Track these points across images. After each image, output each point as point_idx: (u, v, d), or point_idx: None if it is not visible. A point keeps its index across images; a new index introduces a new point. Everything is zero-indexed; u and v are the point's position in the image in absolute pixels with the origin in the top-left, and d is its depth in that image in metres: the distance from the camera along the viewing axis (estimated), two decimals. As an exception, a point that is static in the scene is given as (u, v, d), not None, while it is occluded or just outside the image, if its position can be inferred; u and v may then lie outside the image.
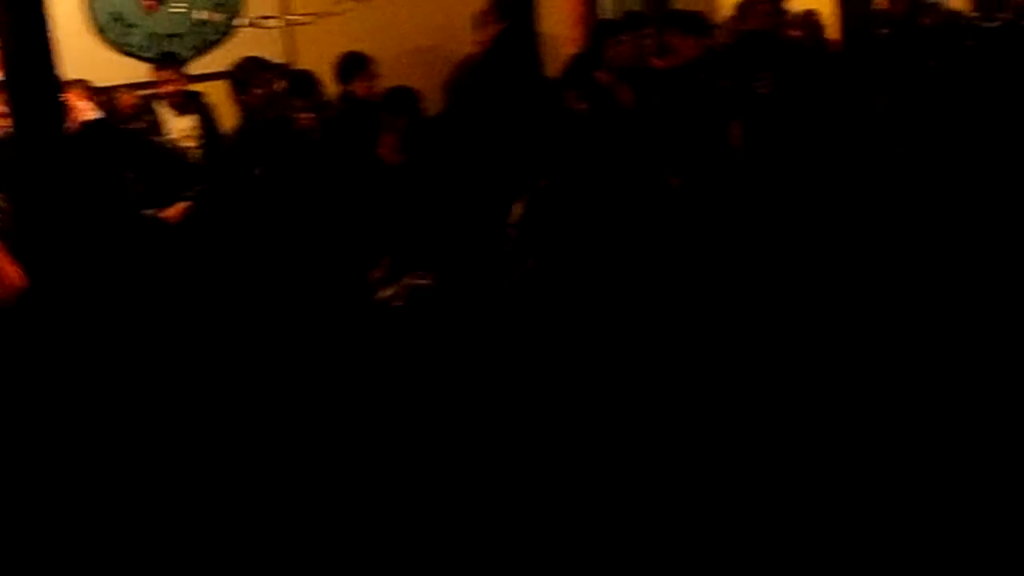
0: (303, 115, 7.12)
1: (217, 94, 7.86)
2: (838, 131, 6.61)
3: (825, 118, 6.74)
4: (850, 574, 4.33)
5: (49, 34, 5.38)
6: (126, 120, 7.03)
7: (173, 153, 7.18)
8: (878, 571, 4.31)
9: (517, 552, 4.50)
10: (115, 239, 5.88)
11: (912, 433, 4.71)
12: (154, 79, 7.73)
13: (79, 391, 5.12)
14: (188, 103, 7.70)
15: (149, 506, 4.99)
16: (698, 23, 7.83)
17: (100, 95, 7.36)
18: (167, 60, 7.86)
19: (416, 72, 8.28)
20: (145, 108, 7.36)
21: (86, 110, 7.03)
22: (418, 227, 5.94)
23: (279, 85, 7.51)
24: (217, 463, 5.39)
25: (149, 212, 6.58)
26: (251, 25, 8.71)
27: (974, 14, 10.10)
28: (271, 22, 8.68)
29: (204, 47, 8.58)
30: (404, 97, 7.14)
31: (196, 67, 8.20)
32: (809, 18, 9.11)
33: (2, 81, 6.24)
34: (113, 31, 8.27)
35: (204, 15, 8.65)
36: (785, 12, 8.89)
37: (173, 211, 6.85)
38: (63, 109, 6.26)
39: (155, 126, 7.43)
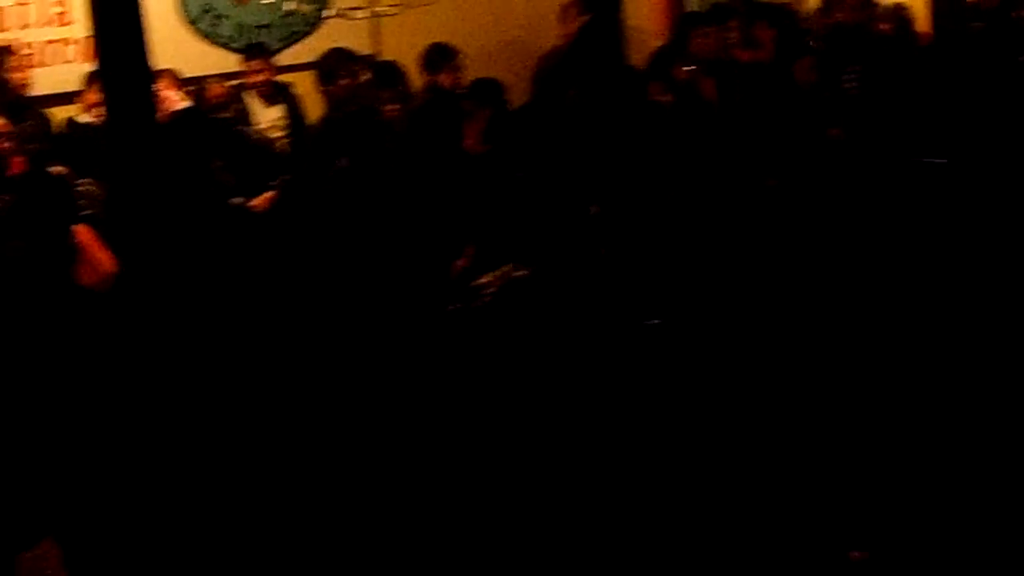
0: (388, 106, 7.17)
1: (304, 85, 7.94)
2: (929, 128, 6.51)
3: (916, 115, 6.64)
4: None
5: (142, 25, 5.46)
6: (215, 110, 7.10)
7: (261, 143, 7.26)
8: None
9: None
10: (203, 227, 5.96)
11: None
12: (243, 69, 7.82)
13: (169, 375, 5.20)
14: (276, 93, 7.78)
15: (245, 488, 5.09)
16: (784, 16, 7.76)
17: (190, 85, 7.47)
18: (256, 50, 7.94)
19: (501, 64, 8.31)
20: (234, 98, 7.44)
21: (175, 100, 7.14)
22: (502, 217, 5.95)
23: (364, 76, 7.57)
24: (316, 444, 5.46)
25: (236, 201, 6.65)
26: (338, 16, 8.76)
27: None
28: (358, 13, 8.74)
29: (292, 38, 8.66)
30: (489, 88, 7.17)
31: (284, 58, 8.28)
32: (899, 11, 8.97)
33: (96, 71, 6.37)
34: (203, 22, 8.38)
35: (292, 6, 8.73)
36: (874, 5, 8.77)
37: (260, 201, 6.93)
38: (154, 99, 6.37)
39: (244, 116, 7.51)
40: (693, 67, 7.67)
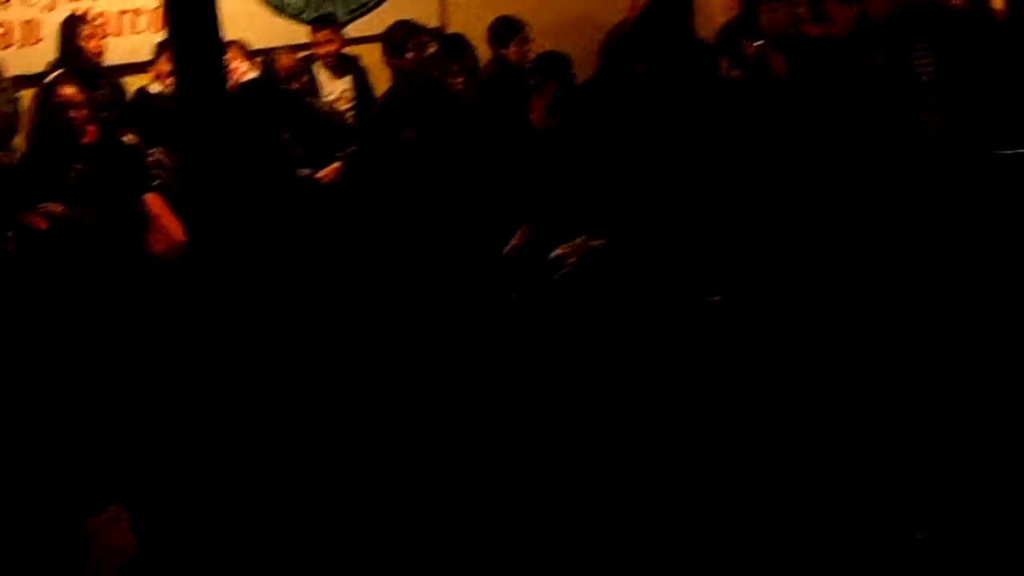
0: (454, 79, 7.17)
1: (371, 57, 7.96)
2: (1006, 114, 6.38)
3: (992, 99, 6.50)
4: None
5: (212, -4, 5.50)
6: (284, 81, 7.14)
7: (329, 115, 7.29)
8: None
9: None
10: (270, 198, 6.00)
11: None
12: (311, 41, 7.85)
13: (236, 342, 5.26)
14: (343, 65, 7.81)
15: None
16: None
17: (259, 56, 7.52)
18: (324, 22, 7.97)
19: (567, 38, 8.27)
20: (303, 70, 7.48)
21: (243, 70, 7.20)
22: (567, 192, 5.92)
23: (431, 49, 7.58)
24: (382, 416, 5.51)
25: (303, 172, 6.69)
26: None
27: None
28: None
29: (360, 10, 8.67)
30: (555, 62, 7.14)
31: (351, 30, 8.30)
32: (972, -14, 8.81)
33: (166, 41, 6.42)
34: (272, -7, 8.42)
35: (360, -22, 8.75)
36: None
37: (326, 172, 6.97)
38: (225, 69, 6.41)
39: (312, 87, 7.55)
40: (761, 42, 7.60)
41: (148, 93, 7.20)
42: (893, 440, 4.65)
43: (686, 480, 4.51)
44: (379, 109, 7.29)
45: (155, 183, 6.15)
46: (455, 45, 7.60)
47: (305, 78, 7.38)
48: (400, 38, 7.51)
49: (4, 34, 7.24)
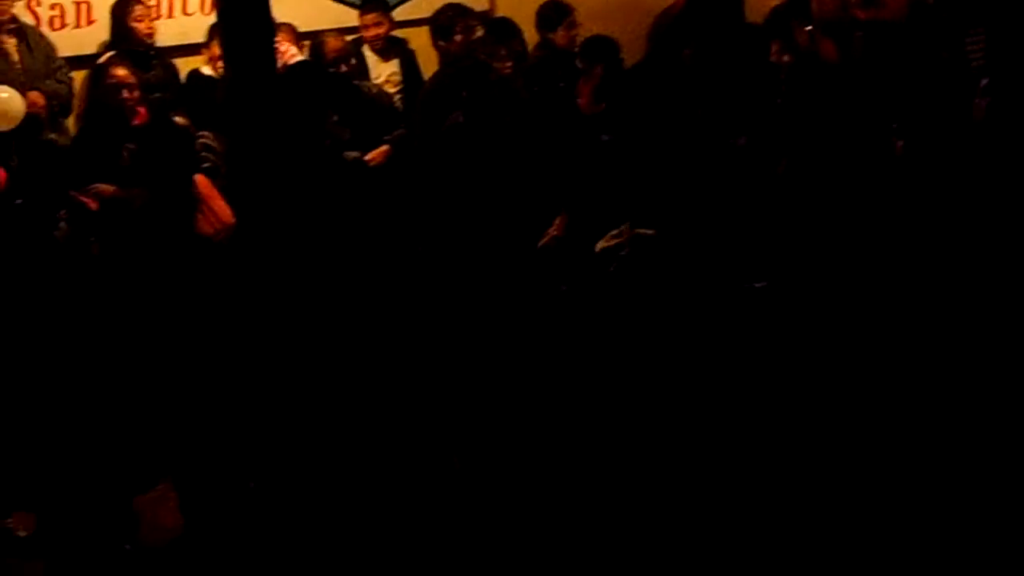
0: (502, 63, 7.17)
1: (419, 40, 7.97)
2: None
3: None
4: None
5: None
6: (332, 64, 7.15)
7: (378, 97, 7.30)
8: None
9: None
10: (318, 180, 6.03)
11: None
12: (360, 24, 7.86)
13: (284, 323, 5.30)
14: (391, 48, 7.82)
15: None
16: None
17: (308, 39, 7.54)
18: (373, 5, 7.97)
19: (616, 21, 8.23)
20: (351, 52, 7.49)
21: (292, 53, 7.22)
22: (610, 179, 5.90)
23: (479, 32, 7.58)
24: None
25: (352, 155, 6.71)
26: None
27: None
28: (474, -31, 8.71)
29: (408, -7, 8.67)
30: (602, 46, 7.12)
31: (400, 13, 8.29)
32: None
33: (217, 23, 6.46)
34: (323, -25, 8.43)
35: (409, -39, 8.74)
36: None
37: (375, 155, 6.99)
38: (275, 52, 6.44)
39: (361, 70, 7.56)
40: (809, 27, 7.53)
41: (200, 75, 7.24)
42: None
43: (750, 468, 4.52)
44: (426, 92, 7.29)
45: (204, 165, 6.19)
46: (503, 29, 7.59)
47: (354, 61, 7.38)
48: (448, 21, 7.51)
49: (58, 15, 7.30)
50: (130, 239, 5.63)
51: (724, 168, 5.41)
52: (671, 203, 5.00)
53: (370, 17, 7.78)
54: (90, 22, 7.38)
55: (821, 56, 7.26)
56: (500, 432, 5.79)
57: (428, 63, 7.82)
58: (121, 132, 6.47)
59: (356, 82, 7.27)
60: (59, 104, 6.82)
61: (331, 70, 6.96)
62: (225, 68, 5.95)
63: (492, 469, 5.78)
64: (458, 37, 7.42)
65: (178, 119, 6.09)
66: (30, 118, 6.35)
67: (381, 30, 7.74)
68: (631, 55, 7.73)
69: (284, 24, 7.30)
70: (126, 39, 7.09)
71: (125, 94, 6.54)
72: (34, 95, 6.57)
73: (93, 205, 5.65)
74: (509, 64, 7.23)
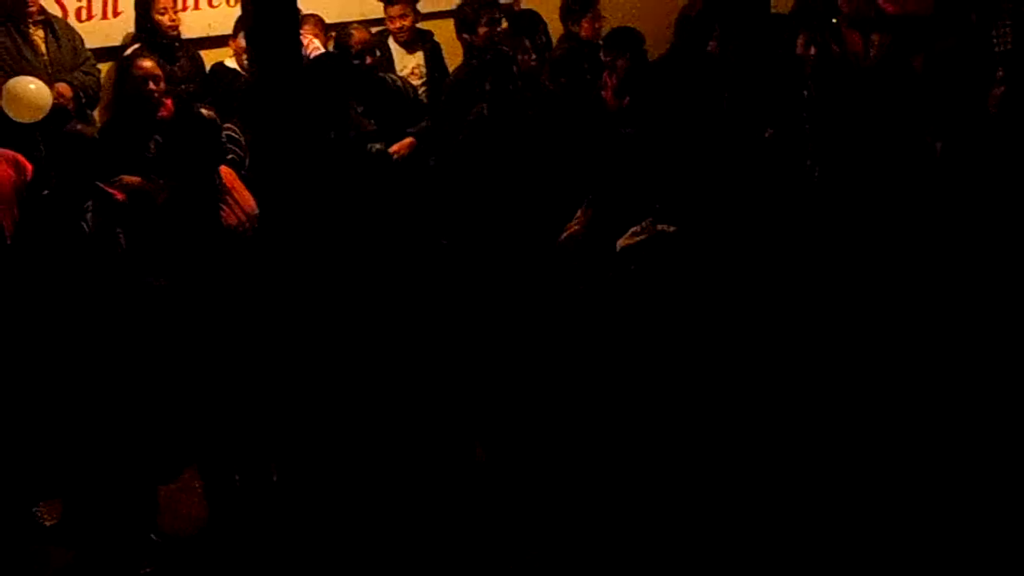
0: (527, 55, 7.16)
1: (444, 33, 7.97)
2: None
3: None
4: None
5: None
6: (357, 56, 7.16)
7: (403, 89, 7.30)
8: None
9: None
10: (343, 172, 6.04)
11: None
12: (385, 16, 7.86)
13: (310, 314, 5.31)
14: (416, 40, 7.82)
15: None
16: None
17: (333, 30, 7.55)
18: (398, -4, 7.96)
19: (641, 13, 8.23)
20: (377, 45, 7.49)
21: (316, 45, 7.23)
22: (632, 174, 5.87)
23: (503, 25, 7.57)
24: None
25: (376, 147, 6.72)
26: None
27: None
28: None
29: (433, -15, 8.67)
30: (627, 38, 7.10)
31: (424, 5, 8.30)
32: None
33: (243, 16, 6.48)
34: (347, -33, 8.43)
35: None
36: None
37: (399, 147, 7.00)
38: (301, 44, 6.45)
39: (386, 62, 7.57)
40: (835, 20, 7.51)
41: (224, 68, 7.26)
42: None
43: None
44: (451, 84, 7.30)
45: (228, 157, 6.21)
46: (527, 21, 7.59)
47: (379, 53, 7.39)
48: (472, 14, 7.52)
49: (84, 7, 7.33)
50: (156, 231, 5.66)
51: (750, 162, 5.38)
52: (695, 198, 4.96)
53: (395, 9, 7.78)
54: (116, 14, 7.41)
55: (847, 49, 7.25)
56: (523, 424, 5.81)
57: (453, 56, 7.83)
58: (148, 124, 6.50)
59: (381, 74, 7.28)
60: (87, 96, 6.84)
61: (356, 62, 6.95)
62: (250, 60, 5.96)
63: (515, 460, 5.81)
64: (482, 29, 7.43)
65: (204, 111, 6.10)
66: (57, 109, 6.38)
67: (406, 22, 7.75)
68: (656, 47, 7.72)
69: (311, 15, 7.32)
70: (150, 31, 7.11)
71: (151, 86, 6.57)
72: (61, 87, 6.61)
73: (120, 196, 5.67)
74: (534, 56, 7.23)
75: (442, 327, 5.48)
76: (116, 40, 7.33)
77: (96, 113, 7.05)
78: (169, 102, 6.57)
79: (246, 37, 5.96)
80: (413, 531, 5.21)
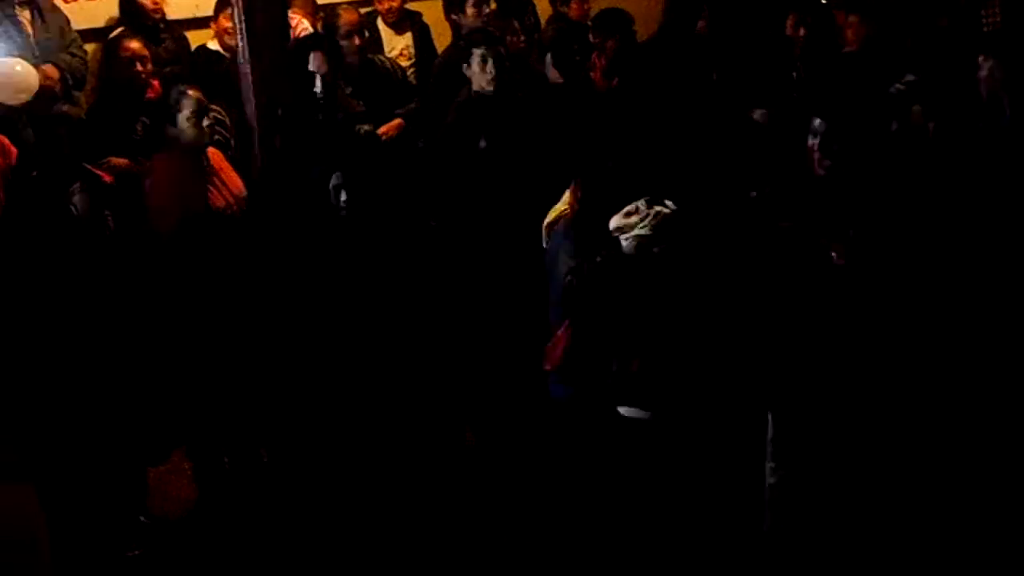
0: (515, 36, 7.13)
1: (432, 14, 7.94)
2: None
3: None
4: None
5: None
6: (344, 36, 7.12)
7: (391, 71, 7.28)
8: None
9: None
10: (330, 152, 6.01)
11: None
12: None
13: (297, 295, 5.30)
14: (405, 21, 7.79)
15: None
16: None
17: (322, 11, 7.52)
18: (387, -23, 7.92)
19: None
20: (366, 25, 7.46)
21: (304, 27, 7.20)
22: (624, 153, 5.85)
23: (492, 6, 7.54)
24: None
25: (364, 128, 6.69)
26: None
27: None
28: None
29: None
30: (615, 19, 7.08)
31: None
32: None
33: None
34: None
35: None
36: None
37: (387, 128, 6.98)
38: (289, 25, 6.43)
39: (375, 43, 7.54)
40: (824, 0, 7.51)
41: (207, 50, 7.23)
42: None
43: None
44: (439, 66, 7.28)
45: (215, 138, 6.18)
46: (516, 2, 7.56)
47: (367, 34, 7.35)
48: (461, -6, 7.49)
49: (70, -12, 7.28)
50: (142, 212, 5.64)
51: (741, 142, 5.37)
52: (690, 179, 4.93)
53: (383, -10, 7.74)
54: (101, -5, 7.35)
55: (835, 29, 7.24)
56: (513, 409, 5.81)
57: (441, 37, 7.80)
58: (135, 105, 6.47)
59: (370, 55, 7.25)
60: (73, 77, 6.80)
61: (342, 42, 6.91)
62: (239, 39, 5.94)
63: (505, 445, 5.80)
64: (471, 10, 7.40)
65: (191, 91, 6.06)
66: (44, 91, 6.35)
67: (395, 3, 7.71)
68: (645, 27, 7.71)
69: (301, -5, 7.29)
70: (134, 13, 7.07)
71: (138, 67, 6.55)
72: (48, 68, 6.55)
73: (108, 178, 5.64)
74: (522, 38, 7.20)
75: (432, 310, 5.47)
76: (100, 22, 7.28)
77: (82, 95, 7.01)
78: (156, 83, 6.55)
79: (237, 17, 5.91)
80: (402, 514, 5.21)
